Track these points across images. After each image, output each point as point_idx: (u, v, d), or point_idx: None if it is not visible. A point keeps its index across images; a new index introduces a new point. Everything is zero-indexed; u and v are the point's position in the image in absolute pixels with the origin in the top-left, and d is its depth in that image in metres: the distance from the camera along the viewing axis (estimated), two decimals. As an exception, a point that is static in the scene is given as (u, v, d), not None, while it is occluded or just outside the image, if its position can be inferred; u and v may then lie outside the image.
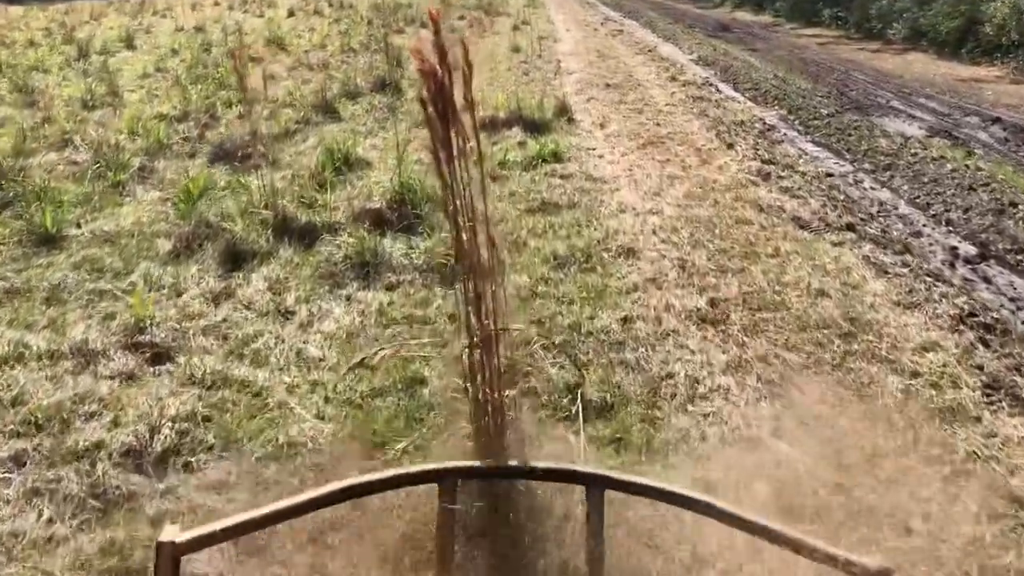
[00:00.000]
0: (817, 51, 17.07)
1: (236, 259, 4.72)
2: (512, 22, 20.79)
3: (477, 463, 1.50)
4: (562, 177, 6.89)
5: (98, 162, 6.57)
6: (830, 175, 7.83)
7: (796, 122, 10.50)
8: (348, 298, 4.36)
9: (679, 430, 3.11)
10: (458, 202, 2.02)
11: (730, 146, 8.48)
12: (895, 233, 6.02)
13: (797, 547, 1.07)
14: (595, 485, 1.16)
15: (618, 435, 3.06)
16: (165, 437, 3.04)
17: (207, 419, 3.20)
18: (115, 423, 3.18)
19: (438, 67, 1.97)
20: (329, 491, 1.12)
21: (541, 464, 1.28)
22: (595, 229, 5.52)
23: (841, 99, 11.77)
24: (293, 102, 9.34)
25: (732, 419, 3.18)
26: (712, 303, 4.32)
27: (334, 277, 4.58)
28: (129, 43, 14.62)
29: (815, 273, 4.85)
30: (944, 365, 3.70)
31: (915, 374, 3.62)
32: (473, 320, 2.11)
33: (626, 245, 5.15)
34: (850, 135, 9.62)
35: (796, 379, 3.56)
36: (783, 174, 7.47)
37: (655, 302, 4.32)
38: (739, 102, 11.77)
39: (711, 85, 13.16)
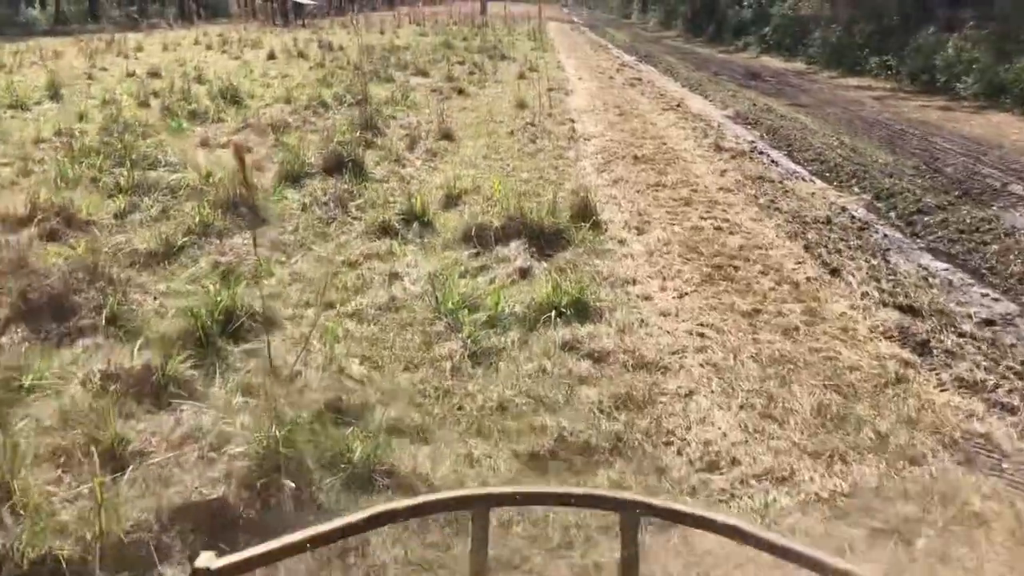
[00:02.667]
0: (876, 107, 14.24)
1: None
2: (518, 68, 18.05)
3: (511, 488, 1.25)
4: (591, 358, 3.96)
5: None
6: (990, 323, 4.92)
7: (893, 216, 7.60)
8: None
9: None
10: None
11: (834, 271, 5.56)
12: None
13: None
14: (630, 511, 1.09)
15: None
16: None
17: None
18: None
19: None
20: (363, 517, 1.06)
21: (576, 490, 1.31)
22: (675, 542, 2.57)
23: (938, 179, 8.88)
24: (206, 189, 6.47)
25: None
26: None
27: None
28: (54, 94, 11.85)
29: None
30: None
31: None
32: None
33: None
34: (984, 242, 6.68)
35: None
36: (941, 337, 4.52)
37: None
38: (806, 181, 8.91)
39: (763, 154, 10.31)
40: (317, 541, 1.03)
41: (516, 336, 4.21)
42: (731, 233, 6.36)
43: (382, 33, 28.15)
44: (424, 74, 16.06)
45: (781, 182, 8.61)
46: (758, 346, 4.17)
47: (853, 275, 5.52)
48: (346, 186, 6.90)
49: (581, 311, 4.47)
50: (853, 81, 18.03)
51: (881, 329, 4.58)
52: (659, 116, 12.74)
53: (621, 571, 1.13)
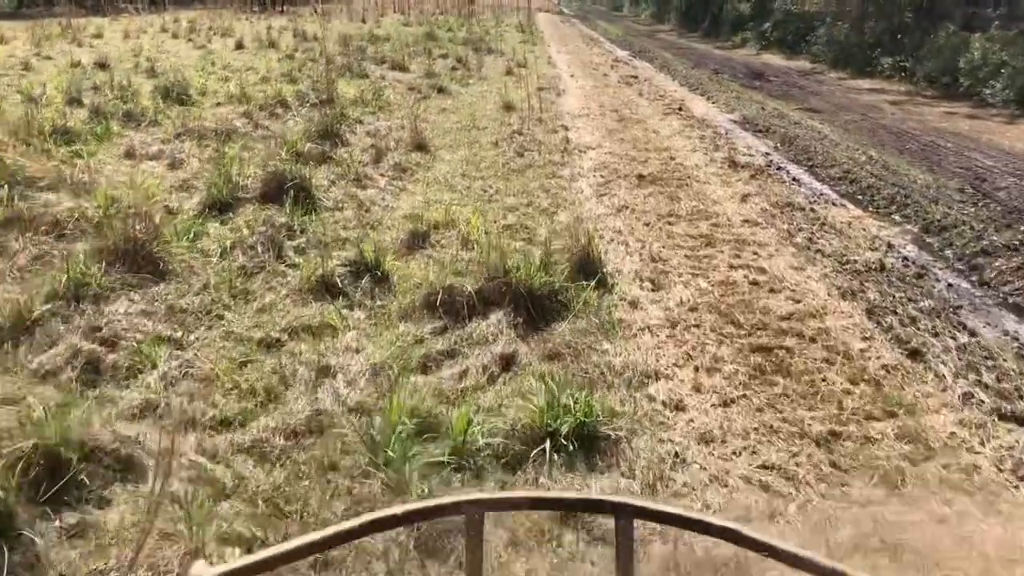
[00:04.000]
0: (896, 114, 12.84)
1: None
2: (505, 63, 16.56)
3: (506, 494, 1.24)
4: (607, 544, 2.55)
5: None
6: None
7: (952, 256, 6.20)
8: None
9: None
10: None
11: (915, 354, 4.15)
12: None
13: None
14: (624, 515, 1.05)
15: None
16: None
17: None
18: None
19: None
20: (357, 524, 1.01)
21: (569, 494, 1.20)
22: None
23: (992, 206, 7.48)
24: (102, 224, 4.96)
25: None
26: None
27: None
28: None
29: None
30: None
31: None
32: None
33: None
34: (1081, 301, 5.32)
35: None
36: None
37: None
38: (837, 206, 7.50)
39: (782, 170, 8.91)
40: (312, 549, 0.99)
41: (489, 489, 2.77)
42: (772, 290, 4.93)
43: (364, 22, 26.50)
44: (402, 68, 14.52)
45: (811, 209, 7.19)
46: (853, 513, 2.75)
47: (942, 361, 4.10)
48: (285, 219, 5.41)
49: (588, 441, 3.03)
50: (864, 83, 16.62)
51: (1011, 465, 3.17)
52: (661, 122, 11.29)
53: (618, 574, 1.08)
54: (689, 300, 4.64)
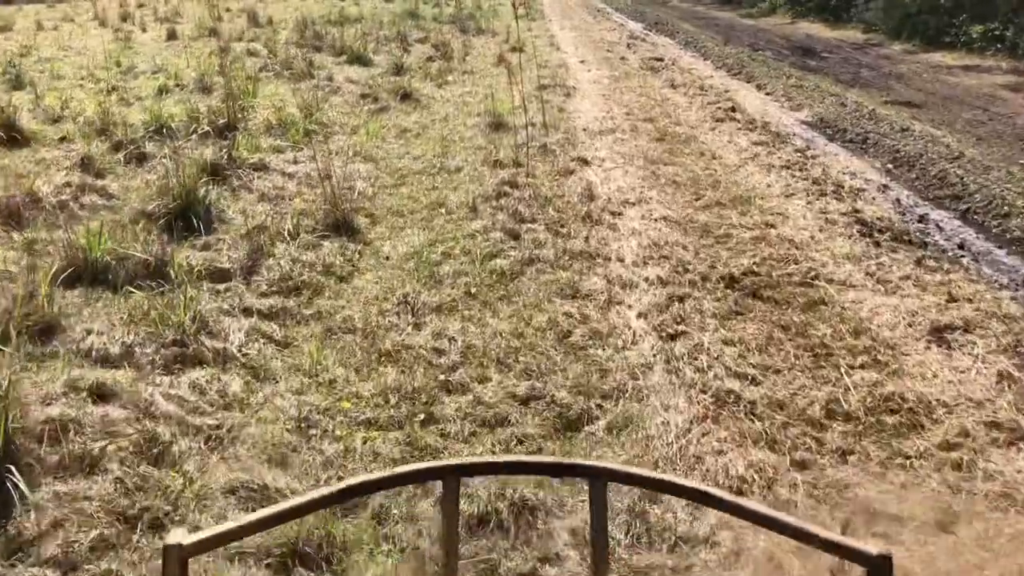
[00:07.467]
0: (1028, 107, 9.11)
1: None
2: (498, 46, 12.78)
3: (479, 459, 1.31)
4: None
5: None
6: None
7: None
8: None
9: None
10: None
11: None
12: None
13: (798, 534, 0.94)
14: (598, 478, 1.06)
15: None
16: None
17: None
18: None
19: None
20: (332, 491, 1.00)
21: (544, 458, 1.25)
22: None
23: None
24: None
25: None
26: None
27: None
28: None
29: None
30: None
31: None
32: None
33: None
34: None
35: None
36: None
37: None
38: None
39: (928, 223, 5.39)
40: (289, 515, 0.97)
41: None
42: None
43: (341, -1, 22.54)
44: (364, 62, 10.77)
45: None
46: None
47: None
48: None
49: None
50: (945, 58, 12.76)
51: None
52: (716, 134, 7.61)
53: (592, 536, 1.08)
54: None
